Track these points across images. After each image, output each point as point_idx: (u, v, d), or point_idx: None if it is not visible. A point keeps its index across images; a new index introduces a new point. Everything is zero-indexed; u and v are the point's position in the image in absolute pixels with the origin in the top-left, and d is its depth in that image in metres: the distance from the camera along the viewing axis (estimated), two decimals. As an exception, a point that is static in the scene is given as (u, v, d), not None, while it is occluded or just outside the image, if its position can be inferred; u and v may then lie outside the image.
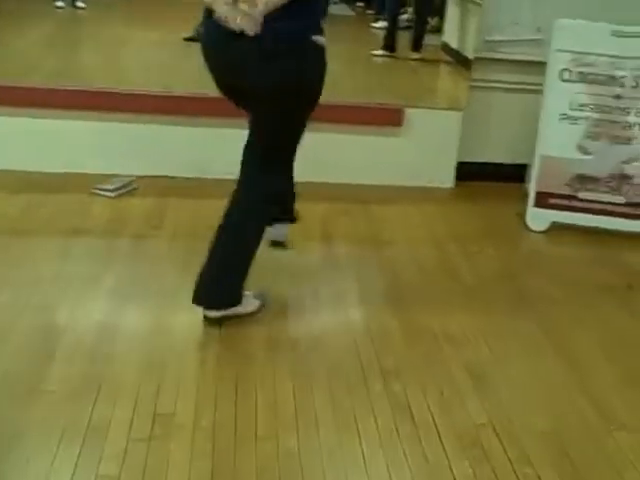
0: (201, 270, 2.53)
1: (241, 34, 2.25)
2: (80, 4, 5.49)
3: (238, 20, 2.24)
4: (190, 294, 2.64)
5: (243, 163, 2.55)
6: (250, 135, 2.52)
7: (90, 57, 4.75)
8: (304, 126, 2.44)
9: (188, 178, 3.77)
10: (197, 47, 4.15)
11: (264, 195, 2.53)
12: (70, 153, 3.68)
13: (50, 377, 2.23)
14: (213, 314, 2.55)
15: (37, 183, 3.55)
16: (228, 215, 2.53)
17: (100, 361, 2.32)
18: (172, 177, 3.73)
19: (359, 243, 3.27)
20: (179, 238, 3.17)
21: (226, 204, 2.51)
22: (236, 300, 2.57)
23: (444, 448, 2.07)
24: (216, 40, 2.35)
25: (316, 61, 2.33)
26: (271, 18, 2.21)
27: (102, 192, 3.50)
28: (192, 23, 4.58)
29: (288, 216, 2.77)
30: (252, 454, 1.99)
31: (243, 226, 2.53)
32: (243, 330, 2.56)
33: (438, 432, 2.13)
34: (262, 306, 2.65)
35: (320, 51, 2.32)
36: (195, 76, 3.82)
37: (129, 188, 3.58)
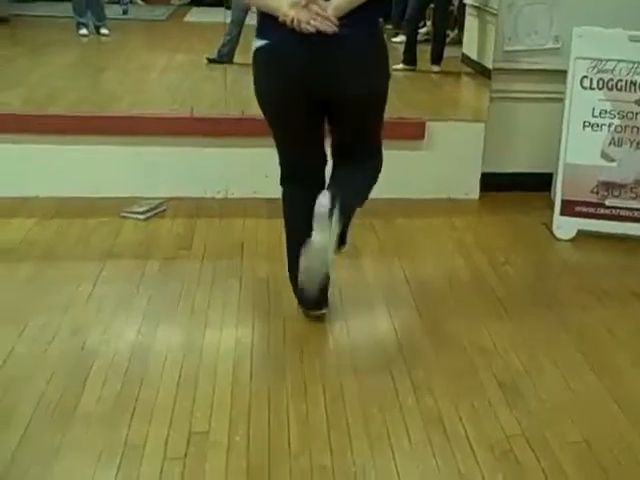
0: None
1: (322, 38, 2.26)
2: (104, 31, 5.59)
3: (312, 22, 2.25)
4: (220, 312, 2.71)
5: (345, 162, 2.61)
6: (341, 144, 2.59)
7: (115, 83, 4.83)
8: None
9: (215, 199, 3.82)
10: (221, 68, 4.25)
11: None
12: (99, 178, 3.75)
13: (86, 399, 2.27)
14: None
15: (67, 208, 3.61)
16: (347, 178, 2.59)
17: (134, 381, 2.36)
18: (200, 198, 3.78)
19: (386, 257, 3.28)
20: (209, 258, 3.21)
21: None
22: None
23: (477, 460, 2.07)
24: (295, 46, 2.32)
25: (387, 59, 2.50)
26: (343, 24, 2.28)
27: (132, 215, 3.56)
28: (215, 45, 4.68)
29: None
30: (286, 470, 2.01)
31: (367, 191, 2.62)
32: (274, 347, 2.59)
33: (471, 444, 2.13)
34: None
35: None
36: (219, 97, 3.91)
37: (158, 210, 3.64)
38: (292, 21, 2.26)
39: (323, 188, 2.62)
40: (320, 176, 2.66)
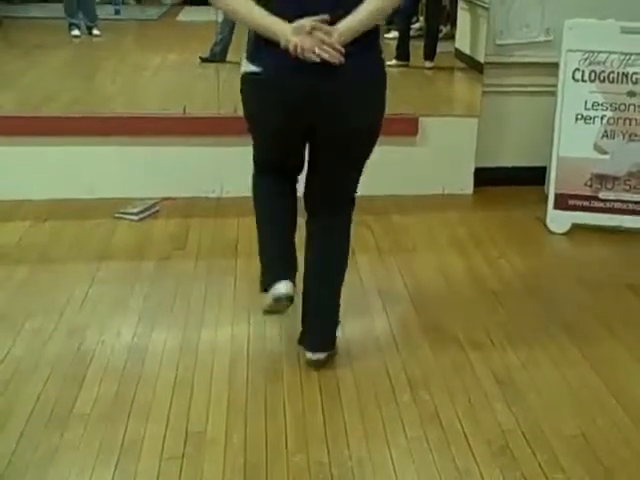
0: (310, 317, 2.49)
1: (322, 66, 2.08)
2: (96, 32, 5.57)
3: (317, 50, 2.06)
4: (216, 311, 2.70)
5: (322, 212, 2.48)
6: (325, 181, 2.43)
7: (108, 83, 4.82)
8: None
9: (209, 198, 3.82)
10: (213, 67, 4.24)
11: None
12: (92, 179, 3.74)
13: (82, 400, 2.27)
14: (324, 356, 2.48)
15: (61, 210, 3.61)
16: (324, 258, 2.50)
17: (131, 381, 2.36)
18: (194, 197, 3.78)
19: (381, 253, 3.29)
20: (203, 258, 3.21)
21: (311, 246, 2.51)
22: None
23: (474, 455, 2.08)
24: (293, 77, 2.13)
25: (385, 84, 2.31)
26: (346, 52, 2.11)
27: (126, 216, 3.56)
28: (207, 43, 4.67)
29: None
30: (283, 467, 2.02)
31: (344, 263, 2.53)
32: (270, 345, 2.59)
33: (467, 439, 2.14)
34: None
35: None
36: (212, 96, 3.90)
37: (152, 211, 3.63)
38: (295, 48, 2.06)
39: (296, 181, 2.55)
40: (296, 175, 2.55)
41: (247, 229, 3.48)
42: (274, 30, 2.10)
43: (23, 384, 2.34)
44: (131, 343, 2.57)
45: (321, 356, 2.46)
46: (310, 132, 2.30)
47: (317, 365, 2.46)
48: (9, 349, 2.51)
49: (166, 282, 3.00)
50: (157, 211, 3.65)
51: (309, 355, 2.46)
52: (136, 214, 3.56)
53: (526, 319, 2.79)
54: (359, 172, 2.46)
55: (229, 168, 3.80)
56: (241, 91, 2.31)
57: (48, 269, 3.10)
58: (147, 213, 3.60)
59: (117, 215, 3.56)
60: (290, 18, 2.09)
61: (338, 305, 2.53)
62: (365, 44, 2.17)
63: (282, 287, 2.37)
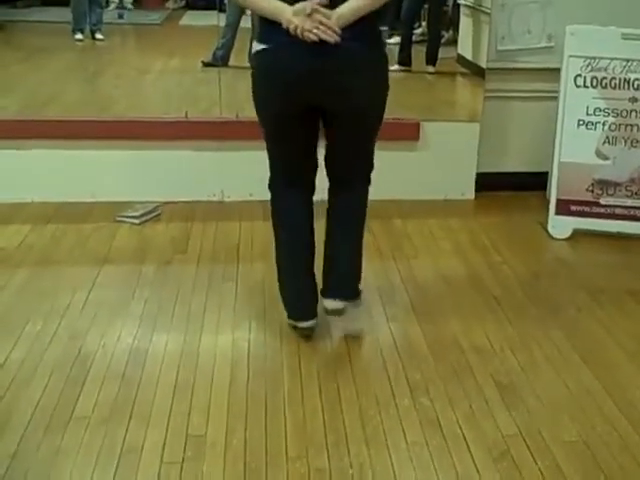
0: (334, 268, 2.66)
1: (322, 46, 2.24)
2: (99, 36, 5.59)
3: (315, 30, 2.22)
4: (217, 315, 2.70)
5: (343, 183, 2.62)
6: (339, 156, 2.57)
7: (110, 87, 4.83)
8: None
9: (211, 202, 3.82)
10: (215, 71, 4.26)
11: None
12: (93, 182, 3.75)
13: (83, 403, 2.27)
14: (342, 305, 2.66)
15: (62, 213, 3.62)
16: (343, 218, 2.65)
17: (131, 385, 2.36)
18: (195, 201, 3.78)
19: (383, 258, 3.29)
20: (204, 262, 3.21)
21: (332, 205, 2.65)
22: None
23: (474, 461, 2.07)
24: (296, 53, 2.29)
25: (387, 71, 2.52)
26: (345, 34, 2.26)
27: (127, 219, 3.56)
28: (210, 48, 4.69)
29: None
30: (283, 473, 2.01)
31: (362, 230, 2.68)
32: (271, 349, 2.59)
33: (467, 445, 2.13)
34: None
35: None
36: (214, 100, 3.91)
37: (153, 214, 3.64)
38: (295, 29, 2.23)
39: (313, 192, 2.65)
40: (312, 180, 2.64)
41: (248, 233, 3.50)
42: (277, 13, 2.27)
43: (24, 388, 2.34)
44: (131, 347, 2.57)
45: (340, 305, 2.64)
46: (318, 114, 2.46)
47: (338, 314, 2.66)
48: (10, 352, 2.51)
49: (167, 286, 3.00)
50: (158, 215, 3.65)
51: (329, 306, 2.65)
52: (137, 218, 3.57)
53: (527, 324, 2.79)
54: (371, 144, 2.59)
55: (231, 172, 3.81)
56: (252, 74, 2.45)
57: (49, 272, 3.11)
58: (148, 217, 3.60)
59: (118, 219, 3.57)
60: (292, 2, 2.25)
61: (359, 260, 2.69)
62: (363, 27, 2.31)
63: (306, 324, 2.64)
